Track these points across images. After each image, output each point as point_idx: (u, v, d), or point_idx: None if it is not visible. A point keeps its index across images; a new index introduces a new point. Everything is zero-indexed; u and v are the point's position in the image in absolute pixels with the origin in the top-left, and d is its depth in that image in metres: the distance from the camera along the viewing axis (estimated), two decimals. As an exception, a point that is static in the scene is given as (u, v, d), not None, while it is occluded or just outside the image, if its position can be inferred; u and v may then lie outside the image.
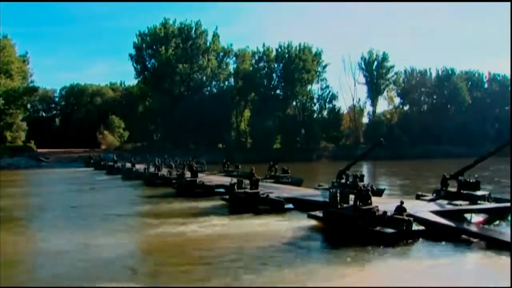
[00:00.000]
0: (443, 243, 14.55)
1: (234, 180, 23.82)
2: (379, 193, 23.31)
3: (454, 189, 20.25)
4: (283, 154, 39.13)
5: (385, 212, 15.31)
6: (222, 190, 26.86)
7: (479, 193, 19.60)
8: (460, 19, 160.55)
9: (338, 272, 11.97)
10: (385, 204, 17.27)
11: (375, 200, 17.17)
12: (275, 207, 20.69)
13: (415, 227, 15.08)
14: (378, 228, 15.02)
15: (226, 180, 27.86)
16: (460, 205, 18.47)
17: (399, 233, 14.69)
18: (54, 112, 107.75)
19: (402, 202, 15.79)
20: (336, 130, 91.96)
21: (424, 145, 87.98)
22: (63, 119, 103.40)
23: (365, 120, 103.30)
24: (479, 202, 18.98)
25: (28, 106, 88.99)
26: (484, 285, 11.19)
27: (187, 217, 19.75)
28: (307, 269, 12.24)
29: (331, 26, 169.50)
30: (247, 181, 23.01)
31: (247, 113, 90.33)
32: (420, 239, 14.94)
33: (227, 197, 23.17)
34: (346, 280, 11.34)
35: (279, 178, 31.81)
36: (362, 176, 25.80)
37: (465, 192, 19.48)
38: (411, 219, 15.08)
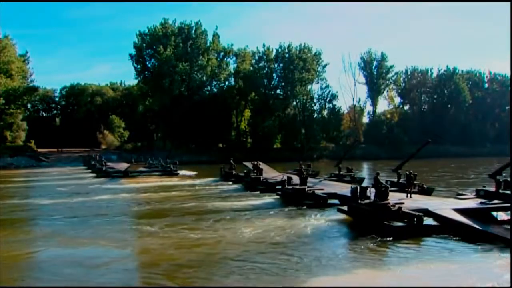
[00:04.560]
0: (455, 239, 14.57)
1: (285, 177, 26.02)
2: (429, 191, 23.80)
3: (493, 189, 19.75)
4: (345, 153, 40.87)
5: (399, 208, 15.71)
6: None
7: None
8: (460, 19, 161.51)
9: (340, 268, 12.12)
10: (423, 201, 18.33)
11: (419, 198, 18.79)
12: (319, 202, 22.26)
13: (431, 222, 15.21)
14: (390, 222, 15.62)
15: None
16: (491, 204, 18.08)
17: (408, 227, 15.20)
18: (55, 112, 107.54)
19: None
20: (336, 130, 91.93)
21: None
22: (64, 119, 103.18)
23: (365, 120, 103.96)
24: None
25: (28, 106, 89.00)
26: (482, 284, 10.88)
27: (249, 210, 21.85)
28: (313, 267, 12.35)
29: (331, 26, 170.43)
30: (297, 178, 25.02)
31: (247, 113, 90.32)
32: (433, 235, 15.06)
33: (280, 192, 25.23)
34: (346, 279, 11.38)
35: (342, 176, 32.97)
36: (415, 175, 25.25)
37: (503, 192, 19.06)
38: (421, 214, 15.51)
